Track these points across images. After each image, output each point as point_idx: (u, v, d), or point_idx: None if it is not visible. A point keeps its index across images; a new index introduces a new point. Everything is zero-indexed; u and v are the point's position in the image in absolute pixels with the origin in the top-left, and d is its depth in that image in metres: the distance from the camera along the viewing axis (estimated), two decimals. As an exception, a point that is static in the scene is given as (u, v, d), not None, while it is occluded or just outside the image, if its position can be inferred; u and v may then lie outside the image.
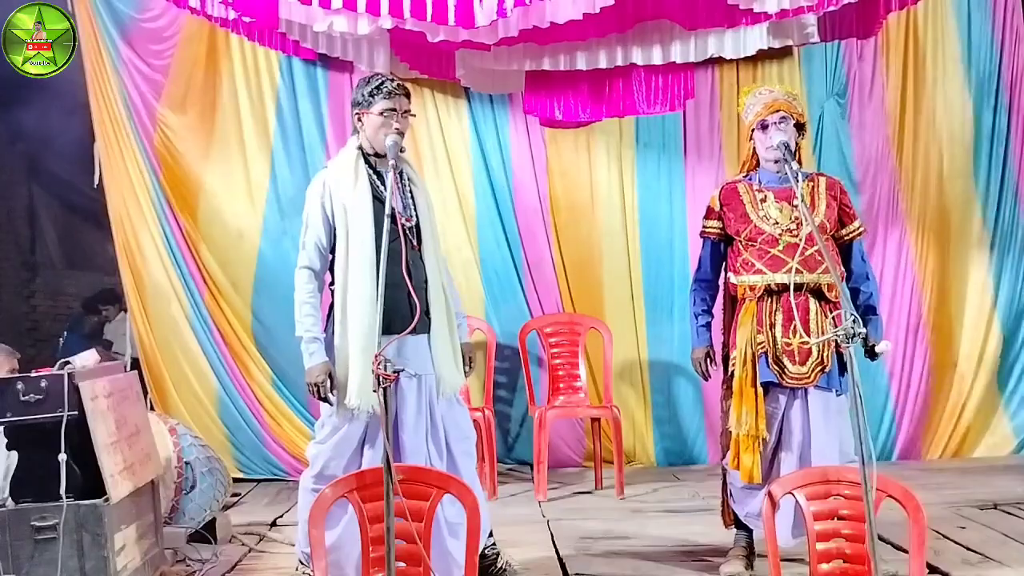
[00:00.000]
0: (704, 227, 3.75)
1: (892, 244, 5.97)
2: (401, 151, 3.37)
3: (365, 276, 3.21)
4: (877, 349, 3.49)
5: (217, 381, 5.71)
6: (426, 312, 3.26)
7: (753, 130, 3.60)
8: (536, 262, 5.95)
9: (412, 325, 3.08)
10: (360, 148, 3.38)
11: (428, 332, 3.30)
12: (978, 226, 6.03)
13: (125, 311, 6.22)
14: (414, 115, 3.40)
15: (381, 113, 3.30)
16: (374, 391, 2.51)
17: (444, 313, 3.34)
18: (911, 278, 5.98)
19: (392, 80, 3.37)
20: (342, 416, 3.28)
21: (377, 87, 3.33)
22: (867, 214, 5.71)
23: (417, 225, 3.34)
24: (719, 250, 3.73)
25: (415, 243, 3.32)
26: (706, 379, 3.79)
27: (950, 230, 6.02)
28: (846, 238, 3.65)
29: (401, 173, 3.39)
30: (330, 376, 3.26)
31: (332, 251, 3.34)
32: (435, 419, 3.33)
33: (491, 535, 3.59)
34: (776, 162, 3.55)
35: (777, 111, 3.53)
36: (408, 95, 3.36)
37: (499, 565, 3.58)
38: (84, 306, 8.03)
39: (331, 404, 3.30)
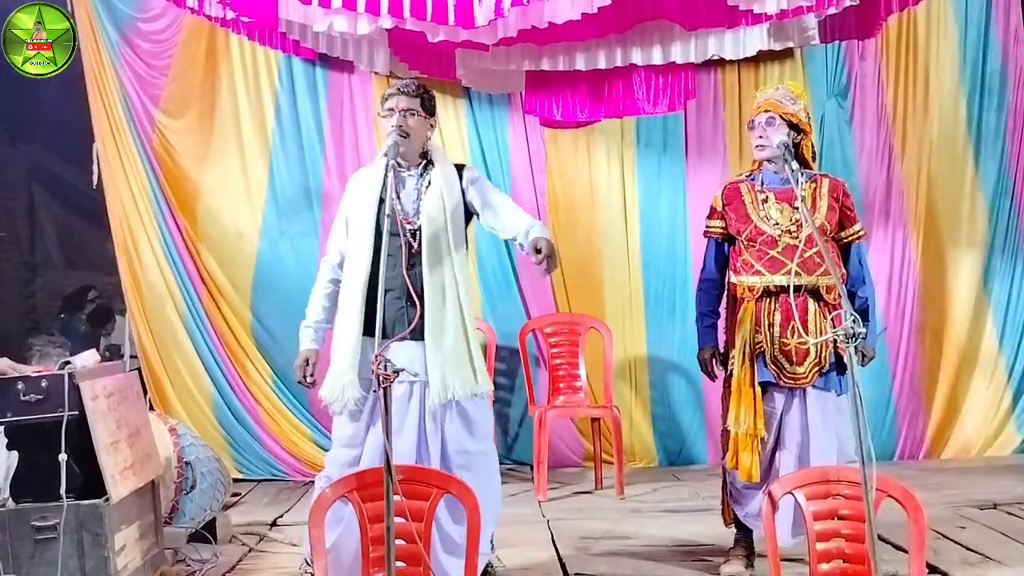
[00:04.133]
0: (708, 227, 3.75)
1: (892, 243, 5.96)
2: (424, 153, 3.37)
3: (355, 275, 3.24)
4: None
5: (213, 382, 5.70)
6: (422, 316, 3.22)
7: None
8: (533, 262, 5.92)
9: (408, 330, 3.10)
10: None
11: (424, 337, 3.24)
12: (978, 226, 6.03)
13: (123, 313, 6.21)
14: (414, 113, 3.32)
15: (380, 114, 3.35)
16: (374, 391, 2.50)
17: (445, 318, 3.25)
18: (911, 277, 5.98)
19: (397, 81, 3.39)
20: (344, 416, 3.29)
21: (388, 90, 3.40)
22: (868, 214, 5.72)
23: (420, 228, 3.29)
24: (723, 250, 3.73)
25: (415, 246, 3.28)
26: (713, 379, 3.78)
27: (950, 230, 6.02)
28: (845, 240, 3.64)
29: (423, 173, 3.37)
30: (310, 363, 3.35)
31: None
32: (428, 425, 3.27)
33: (493, 548, 3.55)
34: (771, 161, 3.55)
35: (766, 111, 3.53)
36: (410, 94, 3.31)
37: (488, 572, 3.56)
38: (66, 304, 8.02)
39: (308, 389, 3.46)
